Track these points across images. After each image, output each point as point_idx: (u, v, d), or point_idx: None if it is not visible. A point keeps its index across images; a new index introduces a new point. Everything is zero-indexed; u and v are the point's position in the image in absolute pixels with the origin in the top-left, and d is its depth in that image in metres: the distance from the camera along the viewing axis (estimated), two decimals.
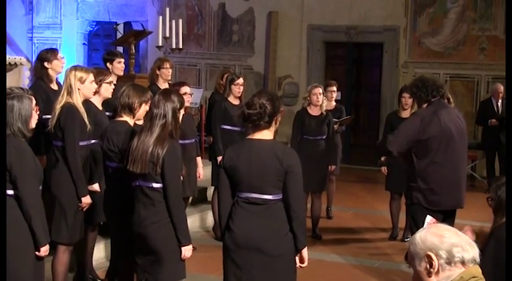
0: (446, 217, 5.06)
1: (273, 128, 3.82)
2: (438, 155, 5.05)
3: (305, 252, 3.85)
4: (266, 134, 3.79)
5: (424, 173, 5.08)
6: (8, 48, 12.29)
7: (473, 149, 10.11)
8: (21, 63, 7.17)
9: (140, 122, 4.47)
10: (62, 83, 5.73)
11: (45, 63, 5.58)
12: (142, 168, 3.96)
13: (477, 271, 2.36)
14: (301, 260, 3.87)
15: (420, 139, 5.03)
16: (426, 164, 5.07)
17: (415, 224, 4.99)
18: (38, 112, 3.93)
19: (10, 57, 7.15)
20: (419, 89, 5.11)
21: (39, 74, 5.61)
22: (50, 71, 5.61)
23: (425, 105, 5.14)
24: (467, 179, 9.71)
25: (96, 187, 4.96)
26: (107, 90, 5.20)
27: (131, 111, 4.41)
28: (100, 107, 5.21)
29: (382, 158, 6.93)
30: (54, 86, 5.66)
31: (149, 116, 4.07)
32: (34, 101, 3.85)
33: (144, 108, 4.43)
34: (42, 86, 5.53)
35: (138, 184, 4.05)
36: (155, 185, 3.99)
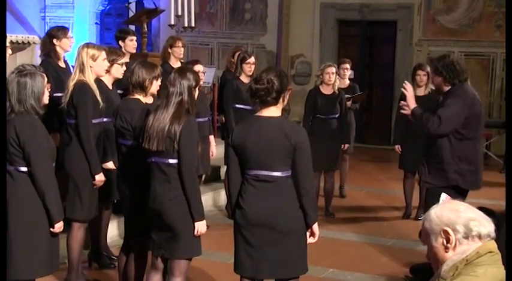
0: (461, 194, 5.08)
1: (280, 105, 3.80)
2: (474, 134, 5.07)
3: (316, 227, 3.85)
4: (274, 111, 3.78)
5: (465, 154, 5.04)
6: (20, 27, 12.33)
7: (488, 127, 10.04)
8: (34, 42, 7.18)
9: (150, 101, 4.47)
10: (68, 62, 5.75)
11: (54, 40, 5.58)
12: (159, 145, 3.96)
13: (493, 246, 2.35)
14: (312, 235, 3.87)
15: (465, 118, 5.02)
16: (468, 145, 5.04)
17: (432, 201, 4.98)
18: (50, 89, 3.93)
19: (23, 36, 7.17)
20: (448, 69, 5.03)
21: (47, 50, 5.62)
22: (58, 49, 5.61)
23: (446, 87, 5.09)
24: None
25: (110, 164, 4.97)
26: (118, 71, 5.18)
27: (143, 89, 4.40)
28: (110, 86, 5.21)
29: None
30: (62, 64, 5.68)
31: (165, 94, 4.06)
32: (46, 79, 3.86)
33: (156, 84, 4.42)
34: (51, 64, 5.54)
35: (153, 160, 4.04)
36: (171, 161, 3.98)
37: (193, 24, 9.16)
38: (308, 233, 3.86)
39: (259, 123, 3.77)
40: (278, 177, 3.73)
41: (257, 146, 3.72)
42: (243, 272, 3.88)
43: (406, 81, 5.35)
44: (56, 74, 5.46)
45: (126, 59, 6.15)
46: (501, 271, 2.34)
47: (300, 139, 3.71)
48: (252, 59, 6.94)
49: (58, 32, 5.63)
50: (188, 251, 4.08)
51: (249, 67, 6.88)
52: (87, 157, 4.73)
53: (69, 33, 5.74)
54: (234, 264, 3.93)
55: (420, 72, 7.11)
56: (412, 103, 5.14)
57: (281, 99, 3.78)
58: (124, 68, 5.23)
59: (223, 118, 7.20)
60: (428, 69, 7.12)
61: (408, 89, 5.15)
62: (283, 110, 3.87)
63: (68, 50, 5.72)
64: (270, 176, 3.73)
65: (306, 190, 3.75)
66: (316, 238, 3.89)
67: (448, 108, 4.96)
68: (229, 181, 3.91)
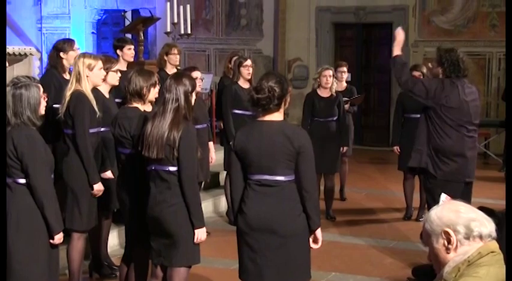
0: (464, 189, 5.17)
1: (282, 109, 3.80)
2: (454, 127, 5.11)
3: (319, 232, 3.83)
4: (276, 116, 3.78)
5: (436, 144, 5.17)
6: (17, 39, 12.33)
7: (486, 126, 10.05)
8: (31, 54, 7.18)
9: (148, 109, 4.47)
10: None
11: (61, 54, 5.56)
12: (159, 153, 3.95)
13: (495, 246, 2.34)
14: (315, 241, 3.85)
15: (439, 105, 5.09)
16: (444, 137, 5.13)
17: (433, 199, 5.00)
18: (46, 99, 3.93)
19: (20, 48, 7.18)
20: (450, 64, 5.14)
21: (54, 63, 5.60)
22: (65, 62, 5.59)
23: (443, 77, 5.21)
24: (481, 157, 9.73)
25: (109, 174, 4.96)
26: (114, 78, 5.20)
27: (141, 97, 4.40)
28: (107, 95, 5.21)
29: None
30: (67, 76, 5.66)
31: (161, 101, 4.05)
32: (41, 89, 3.85)
33: (153, 91, 4.43)
34: (55, 75, 5.53)
35: (153, 168, 4.04)
36: (171, 168, 3.98)
37: (189, 31, 9.19)
38: (311, 239, 3.84)
39: (261, 128, 3.76)
40: (281, 181, 3.72)
41: (259, 150, 3.71)
42: (247, 278, 3.86)
43: (400, 27, 5.57)
44: (59, 84, 5.44)
45: (124, 67, 6.16)
46: (503, 271, 2.32)
47: (302, 143, 3.71)
48: (249, 62, 6.94)
49: (65, 44, 5.60)
50: (187, 258, 4.06)
51: (247, 70, 6.88)
52: (85, 166, 4.73)
53: (75, 46, 5.71)
54: (238, 270, 3.92)
55: (415, 73, 7.11)
56: (397, 49, 5.34)
57: (282, 104, 3.78)
58: (119, 74, 5.25)
59: (222, 124, 7.20)
60: (424, 70, 7.14)
61: (399, 34, 5.37)
62: (284, 112, 3.87)
63: None
64: (272, 180, 3.72)
65: (309, 193, 3.74)
66: (320, 244, 3.88)
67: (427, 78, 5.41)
68: (232, 187, 3.89)
